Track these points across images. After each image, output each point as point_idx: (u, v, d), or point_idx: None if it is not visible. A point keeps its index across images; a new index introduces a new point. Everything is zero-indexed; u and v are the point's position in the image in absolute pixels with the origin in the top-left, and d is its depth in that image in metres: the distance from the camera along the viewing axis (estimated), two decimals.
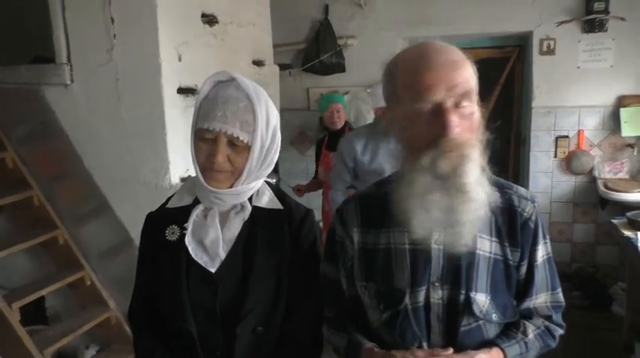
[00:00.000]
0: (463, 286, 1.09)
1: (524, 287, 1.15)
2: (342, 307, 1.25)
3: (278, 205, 1.33)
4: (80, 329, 2.77)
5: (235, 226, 1.28)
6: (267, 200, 1.33)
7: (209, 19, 2.90)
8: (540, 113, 4.09)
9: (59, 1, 2.66)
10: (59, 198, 2.94)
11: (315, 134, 4.64)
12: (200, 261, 1.26)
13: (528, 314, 1.17)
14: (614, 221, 3.21)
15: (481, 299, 1.09)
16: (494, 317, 1.11)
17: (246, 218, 1.29)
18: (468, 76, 1.03)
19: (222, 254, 1.26)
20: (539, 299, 1.17)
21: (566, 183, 4.13)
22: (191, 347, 1.26)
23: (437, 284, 1.10)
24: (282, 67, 4.31)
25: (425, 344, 1.10)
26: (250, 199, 1.31)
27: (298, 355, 1.30)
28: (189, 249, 1.26)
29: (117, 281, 2.95)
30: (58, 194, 2.94)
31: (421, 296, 1.10)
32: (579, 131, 4.02)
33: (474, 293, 1.08)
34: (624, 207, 3.53)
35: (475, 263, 1.09)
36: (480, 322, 1.10)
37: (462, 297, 1.08)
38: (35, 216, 2.92)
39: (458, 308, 1.09)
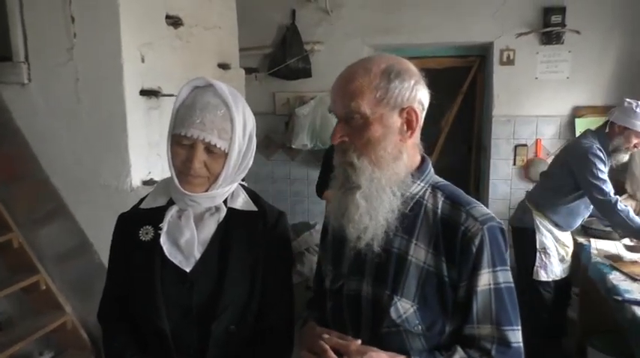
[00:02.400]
0: (389, 287, 1.12)
1: (463, 312, 1.10)
2: (318, 285, 1.36)
3: (252, 207, 1.36)
4: (34, 334, 2.69)
5: (210, 227, 1.31)
6: (241, 202, 1.36)
7: (174, 21, 2.88)
8: (500, 122, 4.20)
9: None
10: (14, 201, 2.85)
11: (281, 138, 4.64)
12: (175, 261, 1.28)
13: (471, 343, 1.11)
14: None
15: (404, 306, 1.10)
16: (416, 328, 1.10)
17: (220, 219, 1.31)
18: (357, 89, 1.09)
19: (197, 254, 1.29)
20: (484, 330, 1.09)
21: (525, 190, 4.23)
22: (164, 345, 1.28)
23: (369, 278, 1.15)
24: (249, 70, 4.31)
25: (350, 333, 1.16)
26: (225, 201, 1.33)
27: (270, 354, 1.33)
28: (164, 248, 1.28)
29: (74, 285, 2.89)
30: (13, 196, 2.86)
31: (354, 285, 1.17)
32: (537, 140, 4.14)
33: (398, 297, 1.10)
34: None
35: (405, 268, 1.11)
36: (401, 329, 1.11)
37: (386, 298, 1.12)
38: None
39: (382, 308, 1.12)
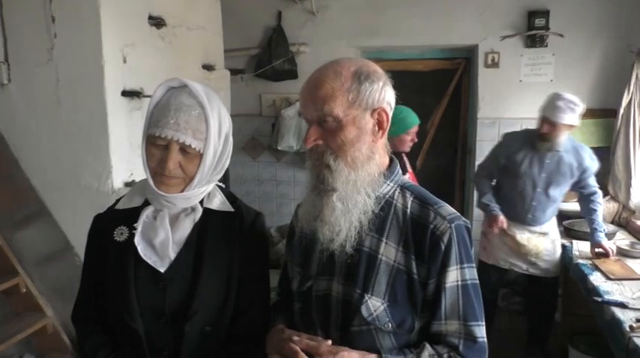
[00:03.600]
0: (359, 286, 1.13)
1: (432, 309, 1.13)
2: (284, 289, 1.37)
3: (229, 208, 1.36)
4: (14, 337, 2.65)
5: (185, 227, 1.30)
6: (218, 203, 1.36)
7: (156, 22, 2.86)
8: (485, 124, 4.22)
9: None
10: None
11: (267, 140, 4.63)
12: (149, 261, 1.28)
13: (438, 340, 1.14)
14: None
15: (374, 304, 1.12)
16: (386, 326, 1.11)
17: (196, 219, 1.31)
18: (329, 92, 1.10)
19: (172, 254, 1.28)
20: (451, 326, 1.12)
21: None
22: (138, 346, 1.28)
23: (339, 278, 1.16)
24: (235, 72, 4.30)
25: (320, 333, 1.17)
26: (202, 202, 1.33)
27: (247, 354, 1.32)
28: (139, 248, 1.28)
29: (55, 288, 2.85)
30: None
31: (323, 285, 1.18)
32: None
33: (368, 295, 1.12)
34: (561, 216, 3.67)
35: (376, 266, 1.13)
36: (371, 327, 1.12)
37: (356, 297, 1.13)
38: None
39: (352, 307, 1.13)
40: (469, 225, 1.16)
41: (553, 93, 3.03)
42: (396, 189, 1.18)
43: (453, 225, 1.12)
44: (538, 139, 3.04)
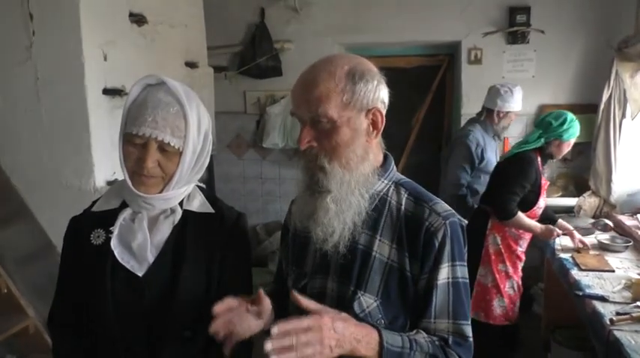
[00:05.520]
0: (353, 283, 1.13)
1: (422, 305, 1.12)
2: (278, 285, 1.36)
3: (209, 209, 1.33)
4: None
5: (164, 230, 1.27)
6: (198, 204, 1.33)
7: (137, 19, 2.84)
8: None
9: None
10: None
11: (252, 137, 4.62)
12: (127, 265, 1.25)
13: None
14: None
15: (367, 301, 1.12)
16: (379, 322, 1.11)
17: (176, 222, 1.28)
18: (323, 93, 1.07)
19: (150, 258, 1.25)
20: (440, 325, 1.11)
21: None
22: (114, 351, 1.25)
23: (334, 276, 1.16)
24: (218, 69, 4.27)
25: None
26: (181, 203, 1.30)
27: None
28: (115, 252, 1.24)
29: (37, 288, 2.81)
30: None
31: (318, 283, 1.18)
32: (504, 138, 4.18)
33: (361, 292, 1.12)
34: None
35: (369, 264, 1.13)
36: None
37: (349, 293, 1.13)
38: None
39: (345, 303, 1.13)
40: (464, 223, 1.16)
41: (501, 87, 3.28)
42: (390, 186, 1.18)
43: (447, 221, 1.11)
44: (502, 131, 3.34)
